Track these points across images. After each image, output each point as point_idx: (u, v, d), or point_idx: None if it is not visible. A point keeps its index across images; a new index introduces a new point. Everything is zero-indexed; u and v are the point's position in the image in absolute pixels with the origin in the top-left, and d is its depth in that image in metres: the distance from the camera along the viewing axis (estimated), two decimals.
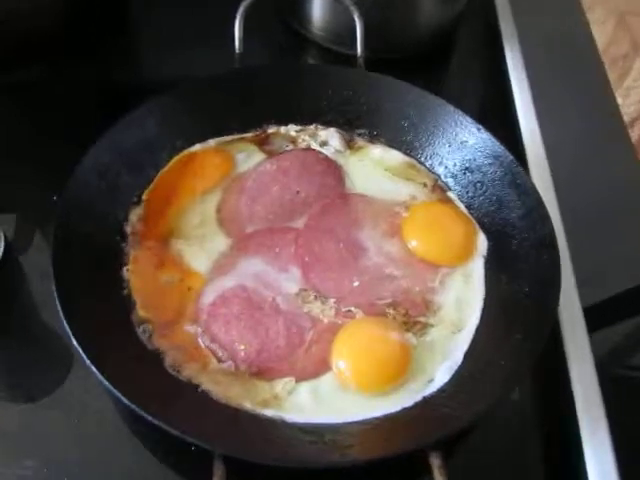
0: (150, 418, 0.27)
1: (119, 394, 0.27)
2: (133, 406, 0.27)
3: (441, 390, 0.33)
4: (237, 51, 0.47)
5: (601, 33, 0.92)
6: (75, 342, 0.29)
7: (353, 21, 0.49)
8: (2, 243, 0.38)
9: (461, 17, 0.60)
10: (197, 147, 0.44)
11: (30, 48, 0.50)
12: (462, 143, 0.43)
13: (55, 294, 0.30)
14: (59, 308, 0.30)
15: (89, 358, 0.28)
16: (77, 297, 0.32)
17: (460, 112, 0.44)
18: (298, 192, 0.41)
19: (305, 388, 0.33)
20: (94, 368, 0.28)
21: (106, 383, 0.28)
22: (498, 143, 0.42)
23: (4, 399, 0.34)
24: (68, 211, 0.35)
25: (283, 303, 0.36)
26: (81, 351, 0.28)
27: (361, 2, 0.49)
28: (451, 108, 0.44)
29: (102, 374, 0.28)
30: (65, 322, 0.29)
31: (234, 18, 0.46)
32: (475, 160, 0.43)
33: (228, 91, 0.45)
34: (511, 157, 0.41)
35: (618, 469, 0.33)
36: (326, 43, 0.57)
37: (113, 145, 0.39)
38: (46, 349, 0.36)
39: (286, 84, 0.46)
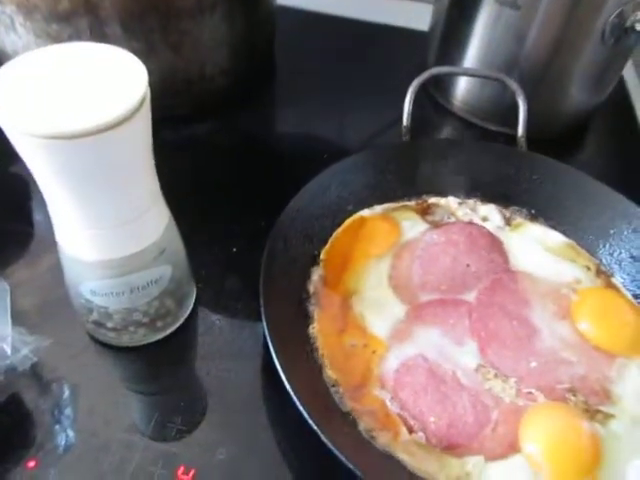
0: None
1: (342, 456, 0.28)
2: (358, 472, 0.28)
3: None
4: (405, 124, 0.50)
5: None
6: (298, 403, 0.30)
7: (513, 102, 0.51)
8: (192, 299, 0.41)
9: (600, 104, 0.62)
10: (366, 212, 0.46)
11: (209, 105, 0.55)
12: (631, 231, 0.44)
13: (272, 350, 0.32)
14: (278, 365, 0.32)
15: (312, 419, 0.30)
16: (281, 351, 0.33)
17: (628, 201, 0.44)
18: (468, 265, 0.42)
19: (495, 469, 0.33)
20: (316, 427, 0.29)
21: (324, 438, 0.29)
22: None
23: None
24: (269, 266, 0.37)
25: (464, 378, 0.36)
26: (305, 413, 0.30)
27: (524, 86, 0.51)
28: (618, 196, 0.45)
29: (324, 435, 0.29)
30: (286, 382, 0.31)
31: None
32: None
33: (395, 161, 0.48)
34: None
35: None
36: (471, 118, 0.60)
37: (304, 205, 0.41)
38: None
39: (448, 158, 0.48)
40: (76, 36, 0.48)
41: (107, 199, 0.30)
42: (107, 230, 0.31)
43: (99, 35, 0.49)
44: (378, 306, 0.40)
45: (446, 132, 0.61)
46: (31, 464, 0.32)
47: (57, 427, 0.35)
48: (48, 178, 0.28)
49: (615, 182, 0.47)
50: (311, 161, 0.50)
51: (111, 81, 0.28)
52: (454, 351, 0.38)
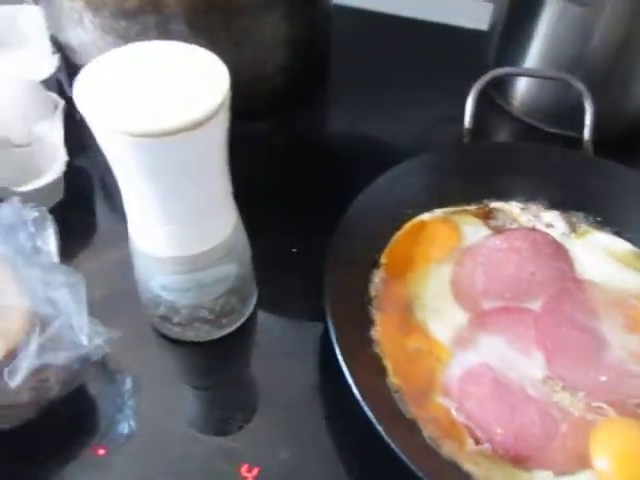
0: None
1: (412, 464, 0.28)
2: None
3: None
4: (466, 126, 0.49)
5: None
6: (366, 407, 0.30)
7: (576, 103, 0.50)
8: (255, 298, 0.41)
9: None
10: (426, 215, 0.45)
11: (266, 104, 0.55)
12: None
13: (338, 352, 0.32)
14: (344, 367, 0.32)
15: (380, 425, 0.29)
16: (345, 353, 0.33)
17: None
18: (533, 273, 0.41)
19: None
20: (384, 434, 0.29)
21: (393, 445, 0.29)
22: None
23: None
24: (332, 267, 0.37)
25: (531, 389, 0.35)
26: (373, 418, 0.30)
27: (588, 86, 0.50)
28: None
29: (393, 442, 0.29)
30: (353, 385, 0.31)
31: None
32: None
33: (455, 164, 0.47)
34: None
35: None
36: (530, 119, 0.58)
37: (363, 210, 0.41)
38: None
39: (511, 162, 0.47)
40: (143, 33, 0.49)
41: (185, 196, 0.30)
42: (181, 227, 0.31)
43: (165, 32, 0.50)
44: (439, 312, 0.39)
45: (504, 134, 0.60)
46: (101, 451, 0.33)
47: (120, 416, 0.36)
48: (131, 175, 0.29)
49: None
50: (369, 162, 0.49)
51: (193, 80, 0.28)
52: (520, 361, 0.37)
